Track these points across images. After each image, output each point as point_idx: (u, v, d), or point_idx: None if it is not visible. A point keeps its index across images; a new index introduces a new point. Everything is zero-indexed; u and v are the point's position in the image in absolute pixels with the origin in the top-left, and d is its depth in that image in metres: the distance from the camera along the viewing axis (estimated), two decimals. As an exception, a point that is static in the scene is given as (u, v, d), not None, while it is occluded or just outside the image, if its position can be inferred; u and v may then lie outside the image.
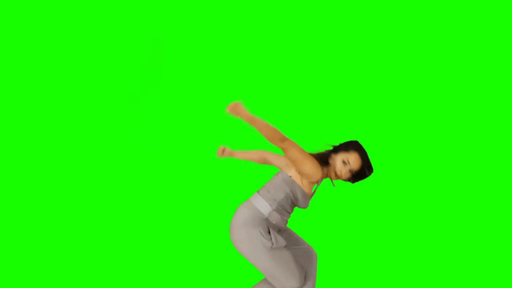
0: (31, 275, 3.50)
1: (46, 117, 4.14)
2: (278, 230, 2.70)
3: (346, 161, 2.67)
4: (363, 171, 2.67)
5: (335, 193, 4.02)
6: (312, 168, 2.57)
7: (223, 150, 3.05)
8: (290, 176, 2.67)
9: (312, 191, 2.76)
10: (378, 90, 4.11)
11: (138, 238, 4.03)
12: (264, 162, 2.94)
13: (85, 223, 4.05)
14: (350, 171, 2.66)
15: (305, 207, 2.75)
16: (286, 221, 2.76)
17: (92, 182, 4.22)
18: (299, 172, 2.64)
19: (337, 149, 2.71)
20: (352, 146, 2.70)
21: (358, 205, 4.08)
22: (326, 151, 2.75)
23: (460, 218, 4.03)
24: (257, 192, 2.70)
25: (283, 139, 2.53)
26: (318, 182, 2.70)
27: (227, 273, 3.63)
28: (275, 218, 2.64)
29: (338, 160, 2.68)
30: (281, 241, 2.62)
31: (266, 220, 2.61)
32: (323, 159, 2.69)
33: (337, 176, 2.72)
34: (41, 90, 4.10)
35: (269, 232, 2.60)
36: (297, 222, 3.68)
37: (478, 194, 4.06)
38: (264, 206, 2.62)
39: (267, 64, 4.10)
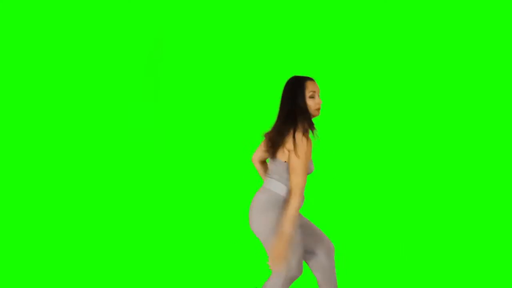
0: (30, 275, 3.50)
1: (44, 117, 4.14)
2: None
3: (313, 93, 2.56)
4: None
5: (335, 193, 4.02)
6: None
7: None
8: (285, 162, 2.53)
9: None
10: (377, 90, 4.11)
11: (139, 239, 4.04)
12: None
13: (87, 224, 4.05)
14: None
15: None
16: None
17: (93, 183, 4.22)
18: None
19: (293, 98, 2.52)
20: (298, 80, 2.56)
21: (358, 205, 4.09)
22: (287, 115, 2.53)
23: (460, 218, 4.04)
24: (268, 177, 2.60)
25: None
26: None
27: (228, 274, 3.63)
28: None
29: (309, 101, 2.54)
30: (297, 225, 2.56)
31: (284, 200, 2.52)
32: (289, 119, 2.52)
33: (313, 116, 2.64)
34: (39, 90, 4.10)
35: None
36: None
37: (478, 193, 4.06)
38: (279, 187, 2.55)
39: (267, 64, 4.11)
